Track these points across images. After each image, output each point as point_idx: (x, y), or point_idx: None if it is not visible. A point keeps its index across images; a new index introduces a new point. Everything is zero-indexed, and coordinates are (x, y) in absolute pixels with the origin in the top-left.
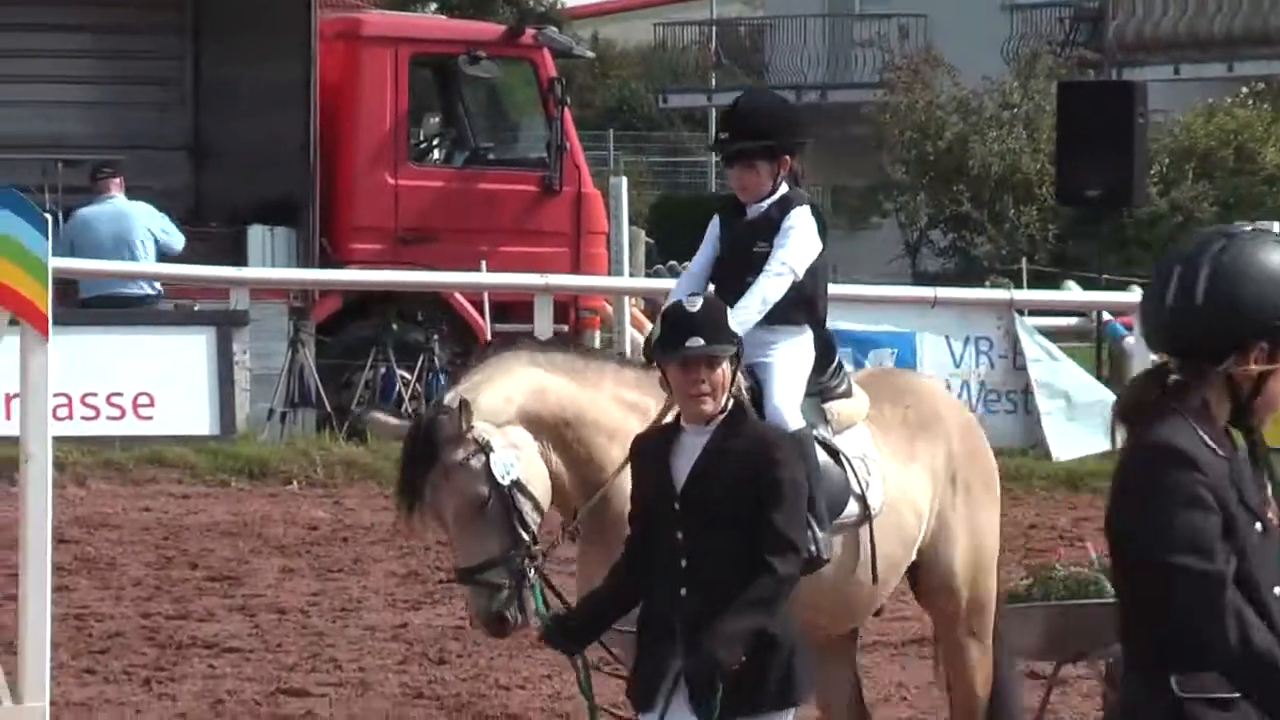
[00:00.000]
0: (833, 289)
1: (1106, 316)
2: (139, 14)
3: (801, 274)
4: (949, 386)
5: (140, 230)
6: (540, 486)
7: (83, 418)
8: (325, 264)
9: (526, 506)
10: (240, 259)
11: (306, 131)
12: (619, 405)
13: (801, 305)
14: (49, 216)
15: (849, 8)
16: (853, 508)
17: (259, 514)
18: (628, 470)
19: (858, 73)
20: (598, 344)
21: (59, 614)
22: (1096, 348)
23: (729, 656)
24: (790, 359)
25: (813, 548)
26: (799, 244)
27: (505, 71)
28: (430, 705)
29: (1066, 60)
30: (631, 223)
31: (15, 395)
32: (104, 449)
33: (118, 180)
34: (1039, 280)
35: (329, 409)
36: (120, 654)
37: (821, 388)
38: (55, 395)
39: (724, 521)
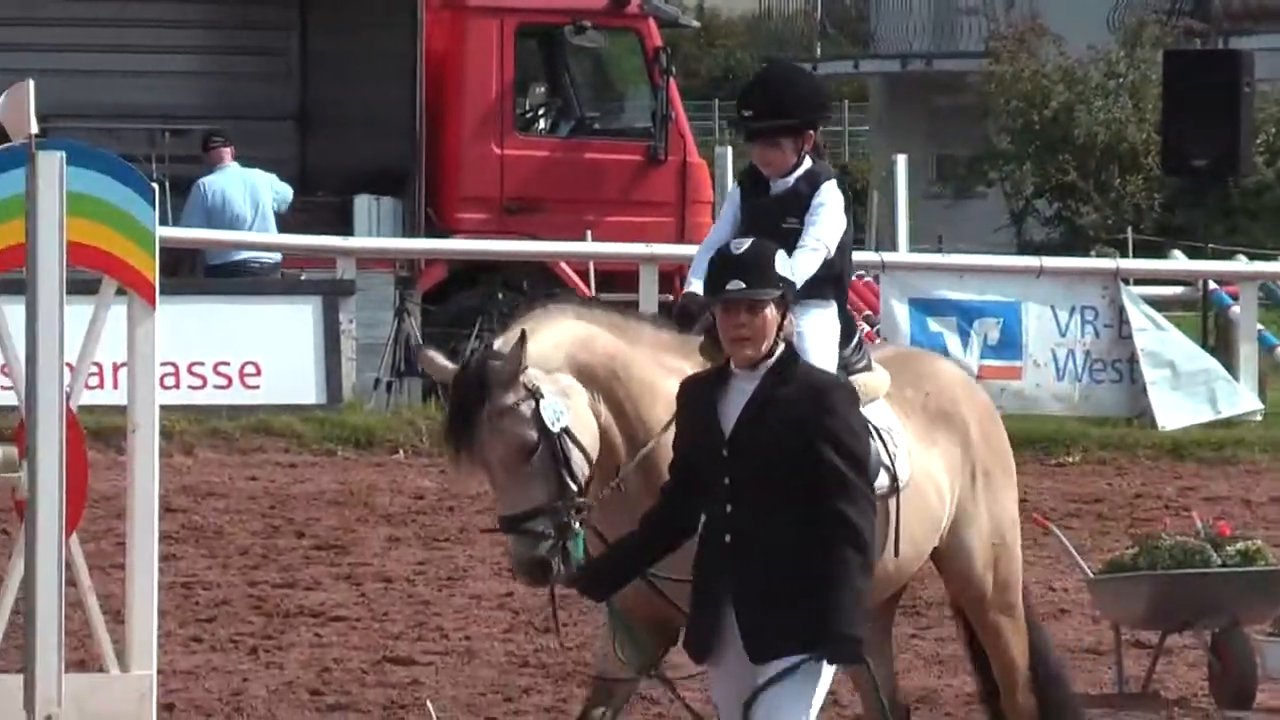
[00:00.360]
0: (938, 259)
1: (1212, 285)
2: None
3: (834, 250)
4: (1054, 356)
5: (266, 196)
6: (589, 437)
7: (190, 387)
8: (431, 233)
9: (575, 455)
10: (346, 228)
11: (413, 101)
12: (660, 367)
13: (830, 281)
14: (156, 186)
15: None
16: (882, 479)
17: (365, 483)
18: (672, 429)
19: (963, 41)
20: None
21: (166, 583)
22: (1203, 316)
23: (863, 632)
24: (821, 331)
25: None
26: (831, 220)
27: (611, 41)
28: (536, 674)
29: (1172, 29)
30: None
31: (123, 365)
32: (211, 418)
33: (230, 148)
34: (1144, 249)
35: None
36: (227, 622)
37: (844, 361)
38: (162, 365)
39: (772, 468)
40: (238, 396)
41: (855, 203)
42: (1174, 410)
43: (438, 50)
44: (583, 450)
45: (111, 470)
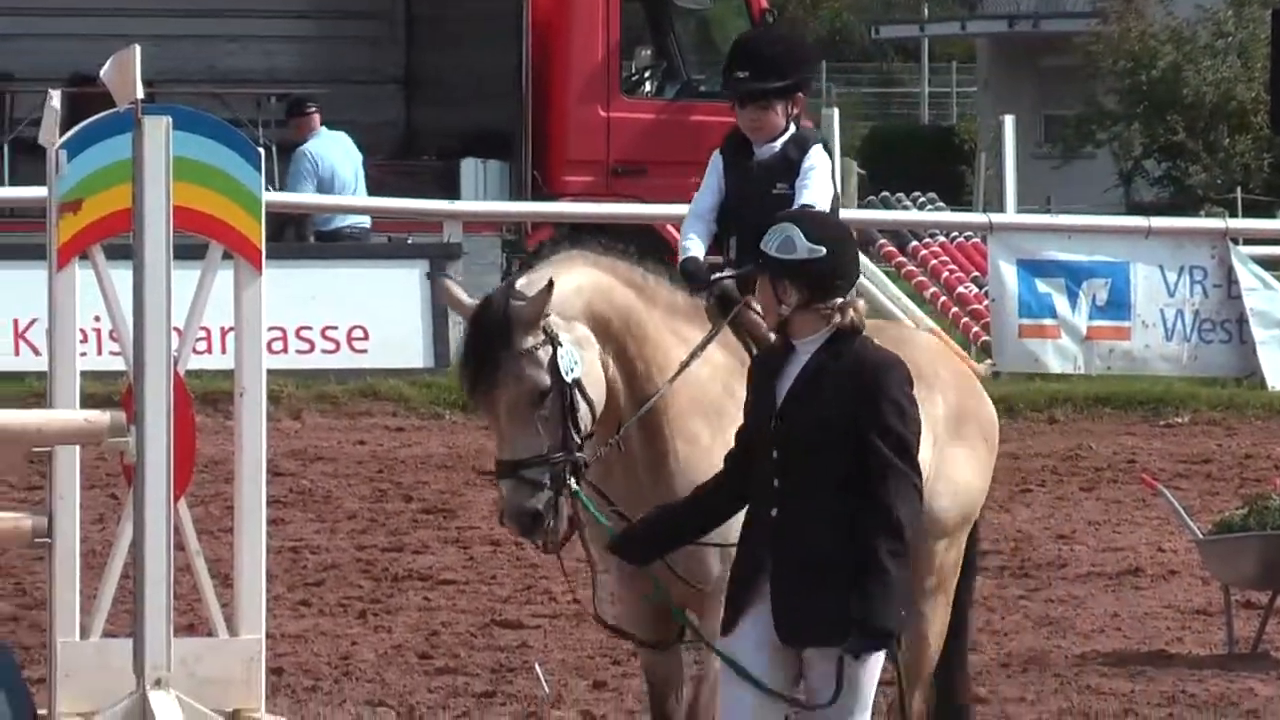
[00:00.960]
0: (1046, 219)
1: None
2: None
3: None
4: (1163, 316)
5: (358, 160)
6: (597, 390)
7: (297, 351)
8: (537, 196)
9: (582, 407)
10: (453, 192)
11: (519, 64)
12: (671, 334)
13: None
14: (261, 150)
15: None
16: None
17: (473, 446)
18: (675, 394)
19: (1070, 1)
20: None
21: (274, 547)
22: None
23: (897, 623)
24: None
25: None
26: (820, 184)
27: (716, 3)
28: None
29: None
30: (844, 154)
31: (230, 329)
32: (318, 382)
33: (319, 114)
34: (1254, 209)
35: None
36: (335, 586)
37: None
38: (270, 329)
39: (817, 444)
40: (345, 360)
41: (964, 164)
42: None
43: (544, 13)
44: (590, 403)
45: (219, 434)
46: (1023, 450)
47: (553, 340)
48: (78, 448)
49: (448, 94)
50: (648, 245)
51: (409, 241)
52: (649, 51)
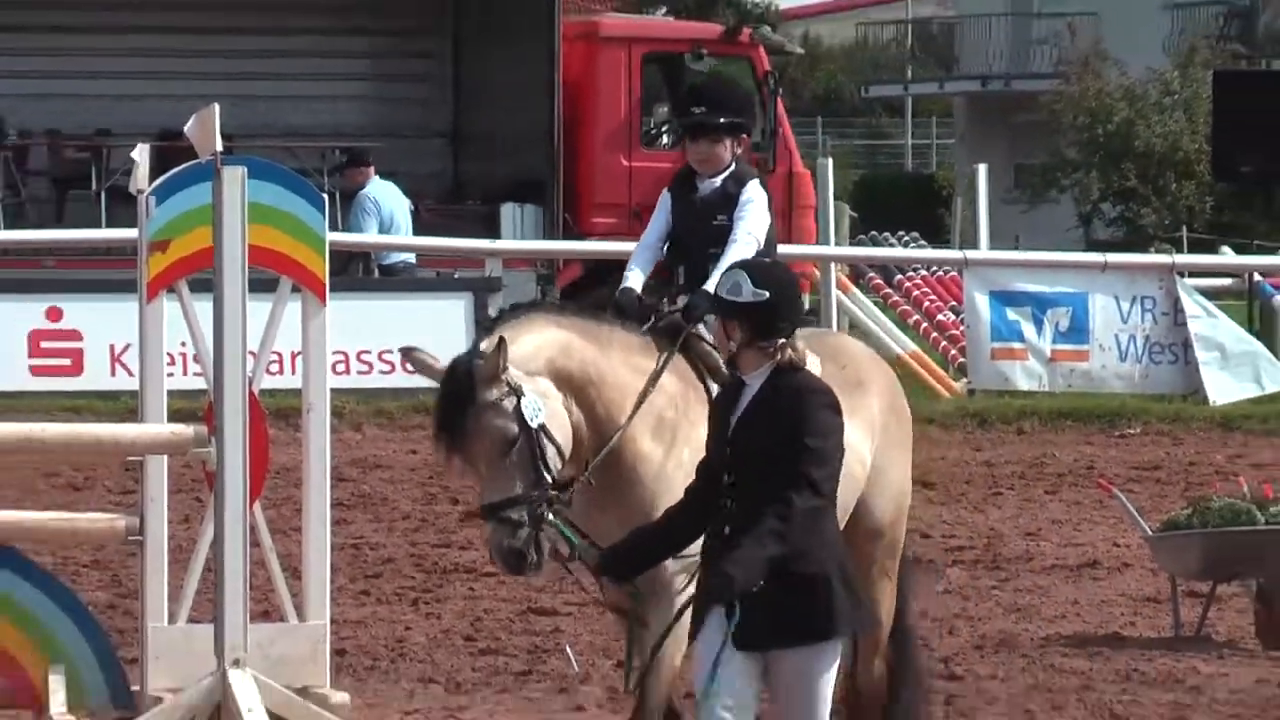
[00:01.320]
0: (1015, 255)
1: (1258, 278)
2: (408, 21)
3: (763, 242)
4: (1118, 341)
5: (406, 206)
6: (563, 434)
7: (358, 372)
8: (568, 236)
9: (550, 450)
10: (494, 232)
11: (551, 120)
12: (628, 369)
13: None
14: (326, 197)
15: (1029, 8)
16: None
17: None
18: (634, 425)
19: (1036, 64)
20: (806, 304)
21: (337, 543)
22: (1249, 305)
23: (743, 577)
24: None
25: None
26: (757, 215)
27: (725, 66)
28: None
29: (1221, 52)
30: (837, 198)
31: (298, 353)
32: (376, 399)
33: (372, 165)
34: (1198, 246)
35: None
36: (391, 578)
37: None
38: (333, 353)
39: (764, 466)
40: (400, 380)
41: (942, 207)
42: (1223, 387)
43: (574, 76)
44: (557, 446)
45: (290, 445)
46: (995, 458)
47: (515, 391)
48: (165, 457)
49: (490, 147)
50: (664, 280)
51: (455, 276)
52: (665, 108)
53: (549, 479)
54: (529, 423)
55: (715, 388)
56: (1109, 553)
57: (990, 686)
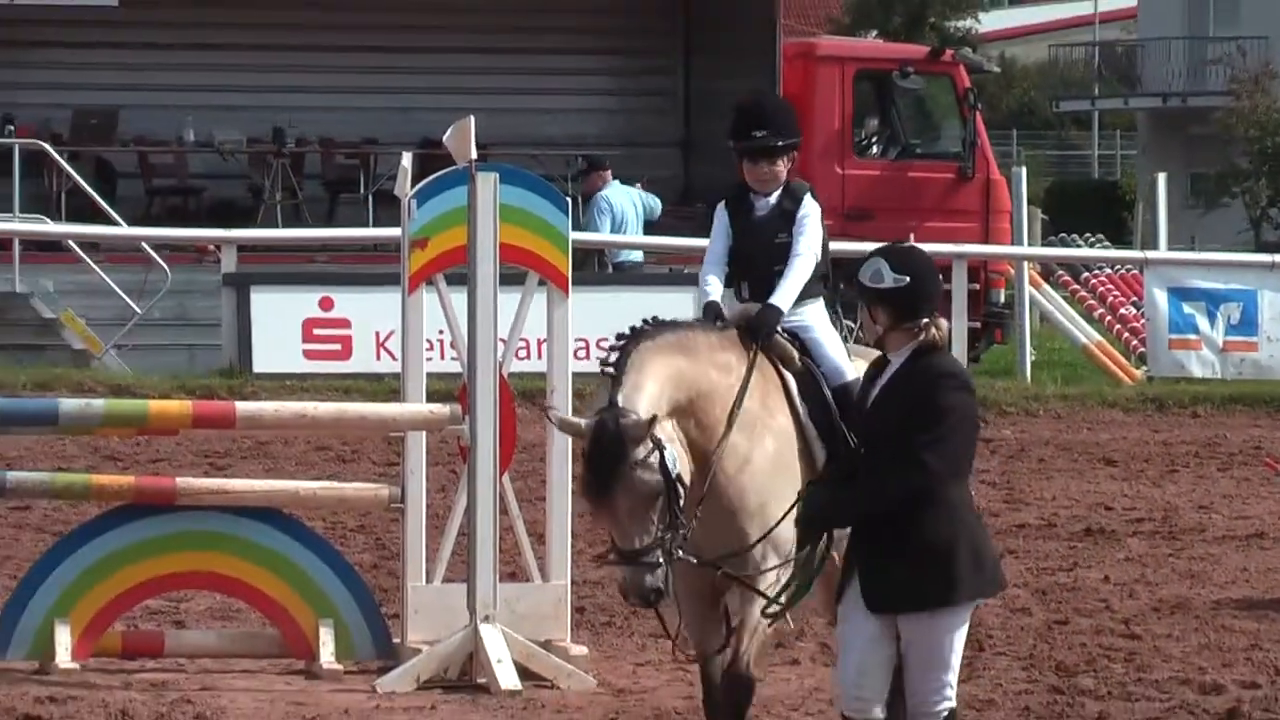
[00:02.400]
0: (1191, 255)
1: None
2: (644, 42)
3: (819, 254)
4: None
5: (639, 207)
6: (688, 473)
7: (597, 358)
8: None
9: (682, 492)
10: None
11: None
12: (715, 369)
13: (819, 279)
14: (569, 200)
15: (1204, 31)
16: None
17: None
18: (731, 437)
19: (1211, 82)
20: (1001, 299)
21: (578, 511)
22: None
23: (825, 514)
24: (824, 322)
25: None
26: (814, 230)
27: (929, 83)
28: None
29: None
30: (1029, 203)
31: (543, 340)
32: None
33: (610, 170)
34: None
35: None
36: None
37: None
38: (575, 340)
39: (887, 440)
40: None
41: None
42: None
43: (793, 91)
44: (686, 487)
45: (535, 423)
46: (1171, 439)
47: (659, 445)
48: (424, 433)
49: (717, 154)
50: None
51: (684, 271)
52: (875, 121)
53: (682, 519)
54: (670, 474)
55: (790, 376)
56: (1275, 525)
57: (1166, 645)
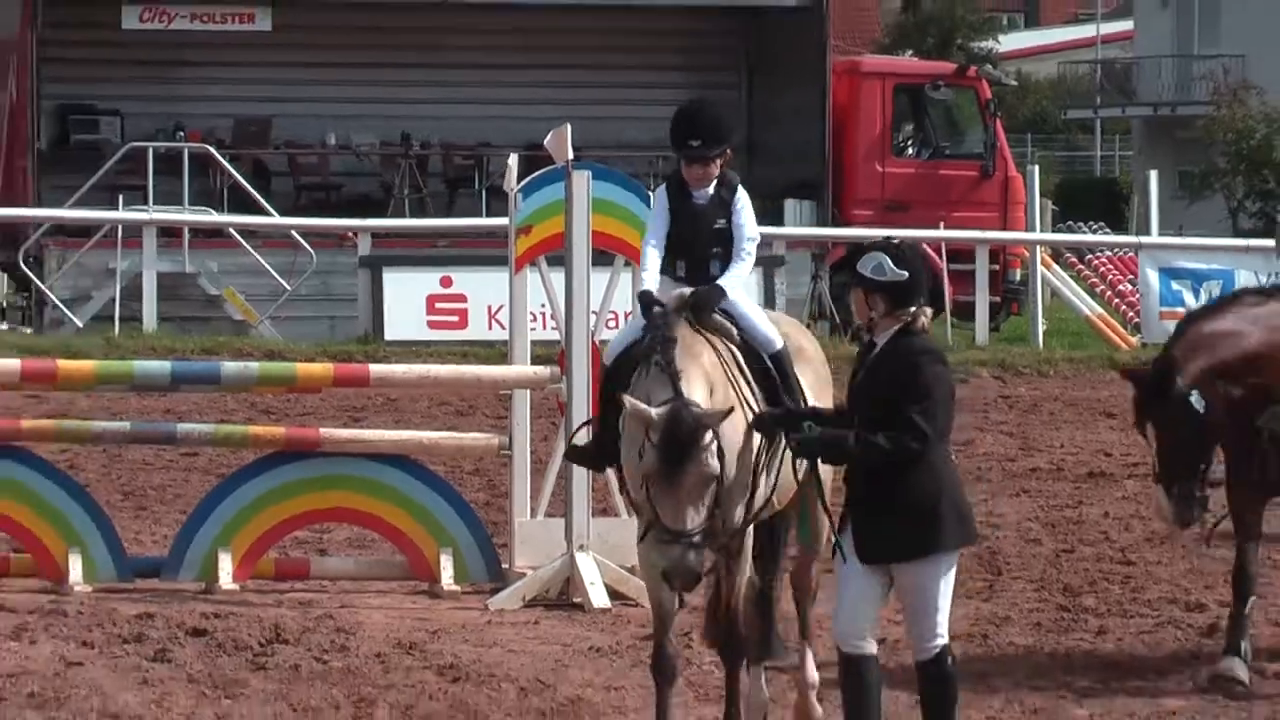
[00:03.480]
0: (1179, 240)
1: None
2: (712, 59)
3: (758, 238)
4: None
5: None
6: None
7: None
8: (836, 224)
9: (725, 481)
10: (779, 221)
11: (823, 136)
12: (709, 358)
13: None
14: (651, 194)
15: (1190, 50)
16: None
17: None
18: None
19: (1196, 94)
20: (1017, 278)
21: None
22: None
23: (823, 444)
24: (747, 297)
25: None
26: (752, 218)
27: (957, 95)
28: None
29: None
30: (1042, 196)
31: (629, 313)
32: None
33: None
34: None
35: (838, 320)
36: None
37: None
38: None
39: (874, 409)
40: None
41: (1123, 204)
42: None
43: (840, 101)
44: (725, 476)
45: None
46: None
47: (717, 436)
48: (528, 391)
49: (776, 156)
50: None
51: None
52: (910, 126)
53: (719, 506)
54: (724, 462)
55: (735, 349)
56: None
57: (1156, 570)
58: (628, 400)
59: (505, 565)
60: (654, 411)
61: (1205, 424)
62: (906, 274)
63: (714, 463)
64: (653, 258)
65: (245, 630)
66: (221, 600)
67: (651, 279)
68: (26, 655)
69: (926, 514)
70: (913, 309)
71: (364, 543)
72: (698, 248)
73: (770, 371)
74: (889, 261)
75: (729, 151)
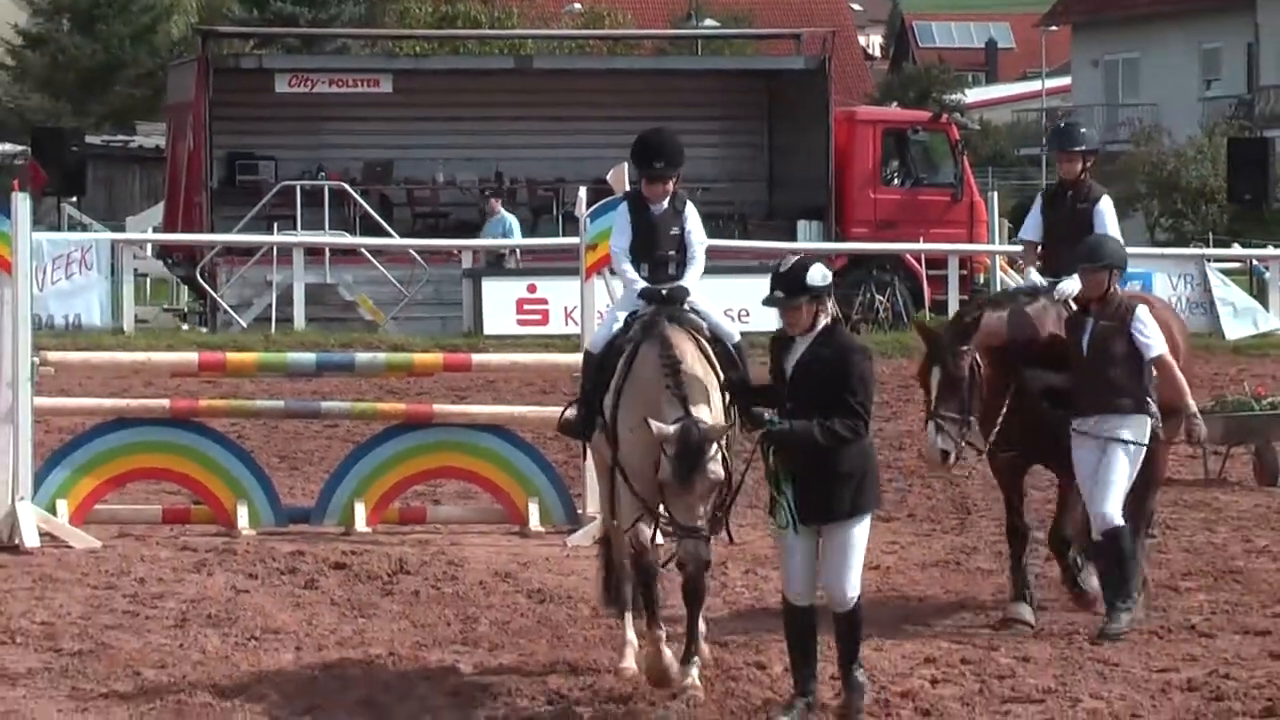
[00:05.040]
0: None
1: (1255, 262)
2: (741, 110)
3: (707, 243)
4: (1172, 302)
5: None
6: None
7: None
8: (839, 240)
9: (727, 484)
10: (793, 238)
11: (827, 170)
12: (703, 370)
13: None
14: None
15: (1116, 100)
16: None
17: None
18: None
19: (1121, 135)
20: (981, 280)
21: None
22: (1249, 278)
23: (792, 433)
24: (703, 296)
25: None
26: (700, 225)
27: (932, 137)
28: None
29: (1233, 124)
30: (1001, 216)
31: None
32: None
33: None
34: (1219, 243)
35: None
36: None
37: None
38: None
39: (814, 402)
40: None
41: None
42: (1233, 328)
43: (841, 143)
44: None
45: None
46: None
47: (721, 448)
48: None
49: (791, 186)
50: (895, 265)
51: (769, 264)
52: (896, 162)
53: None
54: (728, 469)
55: (704, 342)
56: None
57: None
58: (654, 425)
59: (580, 511)
60: (670, 429)
61: (975, 381)
62: (830, 275)
63: (719, 469)
64: (627, 264)
65: (376, 564)
66: (357, 540)
67: (638, 279)
68: (205, 585)
69: (854, 481)
70: (830, 306)
71: (468, 495)
72: (657, 251)
73: (739, 361)
74: (823, 268)
75: (680, 173)
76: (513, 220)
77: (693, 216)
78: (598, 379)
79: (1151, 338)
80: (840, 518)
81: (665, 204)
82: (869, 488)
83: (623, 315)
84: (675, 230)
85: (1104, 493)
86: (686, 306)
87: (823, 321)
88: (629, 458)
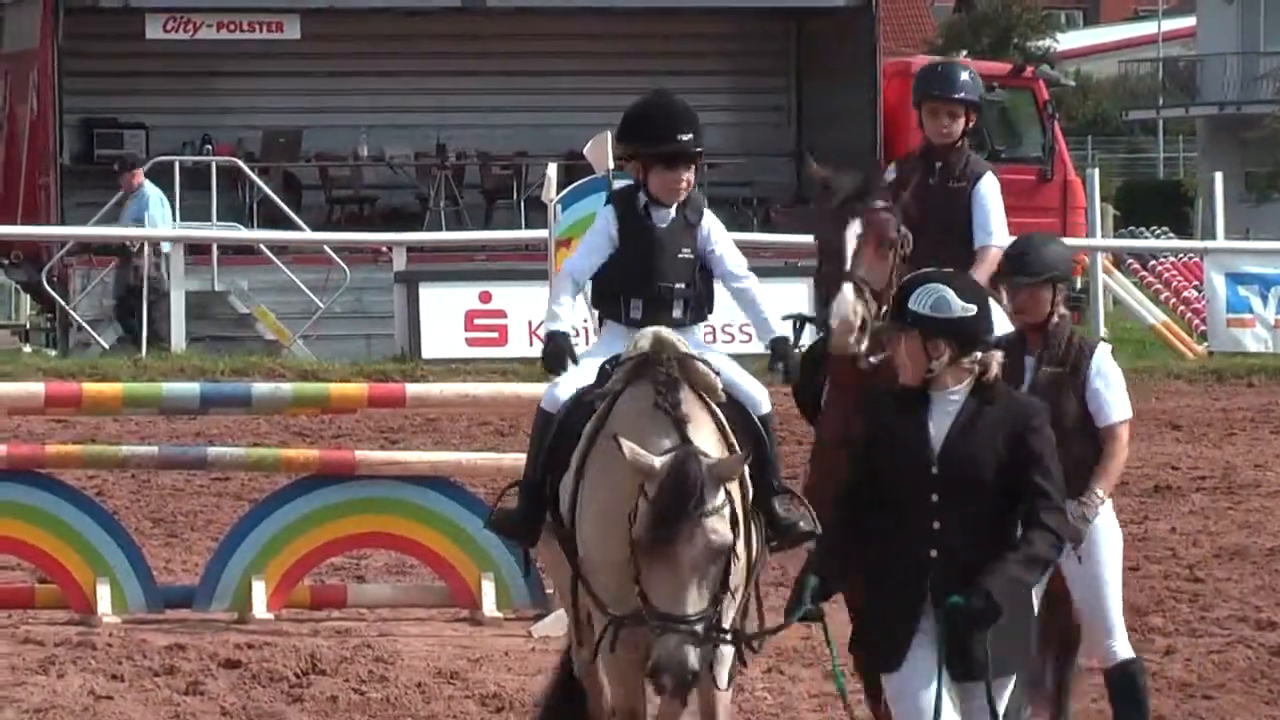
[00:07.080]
0: (1246, 244)
1: None
2: (761, 63)
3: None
4: None
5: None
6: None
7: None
8: None
9: (735, 558)
10: None
11: (874, 138)
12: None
13: (709, 300)
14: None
15: (1256, 47)
16: None
17: None
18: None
19: (1262, 92)
20: (1078, 285)
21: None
22: None
23: (995, 585)
24: (716, 350)
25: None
26: (733, 246)
27: (1013, 96)
28: None
29: None
30: (1102, 200)
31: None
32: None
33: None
34: None
35: None
36: None
37: None
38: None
39: (982, 487)
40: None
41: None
42: None
43: (891, 104)
44: (736, 552)
45: None
46: (1229, 406)
47: (730, 499)
48: None
49: (826, 160)
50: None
51: (799, 265)
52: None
53: (726, 592)
54: (737, 529)
55: (714, 405)
56: None
57: (1225, 587)
58: (625, 445)
59: (549, 590)
60: (656, 460)
61: None
62: (976, 307)
63: (725, 530)
64: (565, 304)
65: (280, 661)
66: (255, 630)
67: (565, 316)
68: (54, 689)
69: (1028, 615)
70: (979, 354)
71: (402, 568)
72: (656, 281)
73: (763, 437)
74: (954, 295)
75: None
76: (159, 196)
77: (716, 228)
78: (553, 453)
79: (1113, 397)
80: (1002, 673)
81: (673, 211)
82: (1033, 623)
83: (598, 362)
84: (686, 251)
85: (1102, 614)
86: (694, 350)
87: (967, 379)
88: (598, 568)
